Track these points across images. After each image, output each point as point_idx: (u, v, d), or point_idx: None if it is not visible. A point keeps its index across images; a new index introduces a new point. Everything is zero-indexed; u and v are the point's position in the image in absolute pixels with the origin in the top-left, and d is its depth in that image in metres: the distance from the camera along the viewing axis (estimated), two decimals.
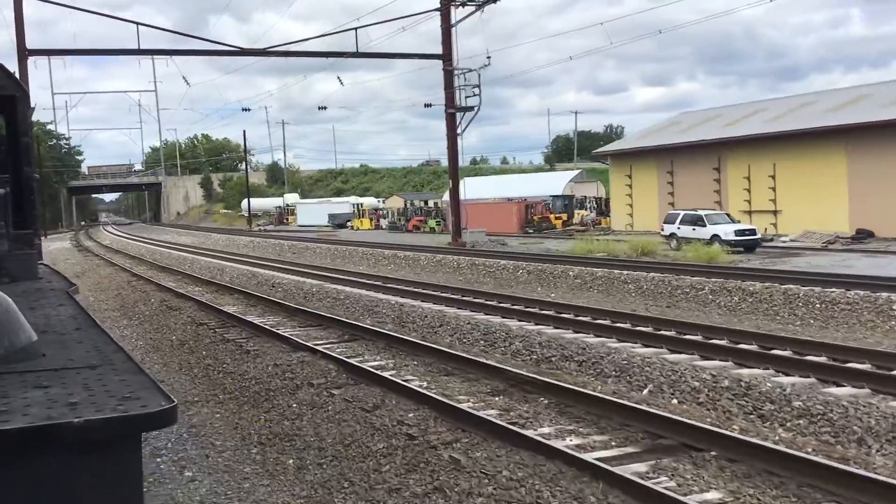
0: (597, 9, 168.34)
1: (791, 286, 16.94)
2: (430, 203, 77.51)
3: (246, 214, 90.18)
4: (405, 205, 77.24)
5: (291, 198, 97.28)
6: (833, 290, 16.30)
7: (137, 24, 34.23)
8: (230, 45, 36.92)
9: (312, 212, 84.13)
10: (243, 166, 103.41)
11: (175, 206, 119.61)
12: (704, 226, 34.05)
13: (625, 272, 21.07)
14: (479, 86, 39.55)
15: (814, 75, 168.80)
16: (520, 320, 15.20)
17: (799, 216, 37.34)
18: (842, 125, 35.63)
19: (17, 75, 11.74)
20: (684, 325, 13.68)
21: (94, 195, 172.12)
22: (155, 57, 44.49)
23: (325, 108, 54.35)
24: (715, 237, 33.06)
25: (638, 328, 13.78)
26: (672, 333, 13.06)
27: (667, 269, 21.96)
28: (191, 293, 21.56)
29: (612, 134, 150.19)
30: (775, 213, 39.00)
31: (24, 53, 33.37)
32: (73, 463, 2.31)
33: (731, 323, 14.56)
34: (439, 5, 39.46)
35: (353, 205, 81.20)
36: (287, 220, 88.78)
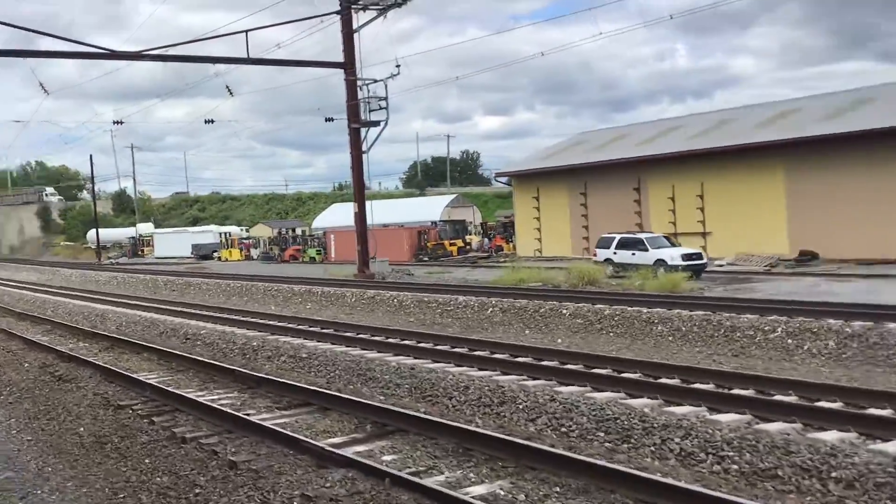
0: (441, 39, 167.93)
1: (831, 320, 13.85)
2: (298, 231, 72.52)
3: (93, 246, 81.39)
4: (277, 233, 71.65)
5: (145, 227, 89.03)
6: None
7: None
8: (98, 47, 30.88)
9: (171, 242, 76.74)
10: (84, 195, 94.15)
11: (8, 238, 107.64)
12: (646, 250, 31.12)
13: (635, 309, 17.29)
14: (386, 98, 35.39)
15: (643, 105, 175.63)
16: (585, 385, 10.99)
17: (731, 238, 35.12)
18: (780, 140, 33.71)
19: None
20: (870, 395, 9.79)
21: None
22: None
23: (211, 121, 47.83)
24: (660, 262, 30.20)
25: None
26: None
27: (654, 302, 18.38)
28: (79, 352, 16.05)
29: (469, 160, 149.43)
30: (704, 235, 36.70)
31: None
32: None
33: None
34: (339, 8, 35.07)
35: (219, 234, 74.62)
36: (142, 251, 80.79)
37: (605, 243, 33.16)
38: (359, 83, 35.20)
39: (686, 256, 30.48)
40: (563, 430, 8.82)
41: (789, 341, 13.69)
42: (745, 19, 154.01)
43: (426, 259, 49.84)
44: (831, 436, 7.68)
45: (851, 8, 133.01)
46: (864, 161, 31.00)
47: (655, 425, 8.18)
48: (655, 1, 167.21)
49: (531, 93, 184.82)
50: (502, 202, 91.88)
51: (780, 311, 15.52)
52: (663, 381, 10.82)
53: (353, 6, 35.04)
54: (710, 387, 10.35)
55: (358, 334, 17.25)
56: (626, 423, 8.43)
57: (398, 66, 34.99)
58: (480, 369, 12.33)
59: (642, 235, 32.33)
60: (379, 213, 67.25)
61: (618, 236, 32.92)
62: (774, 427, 8.10)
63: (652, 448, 7.84)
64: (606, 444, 8.20)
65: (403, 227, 54.73)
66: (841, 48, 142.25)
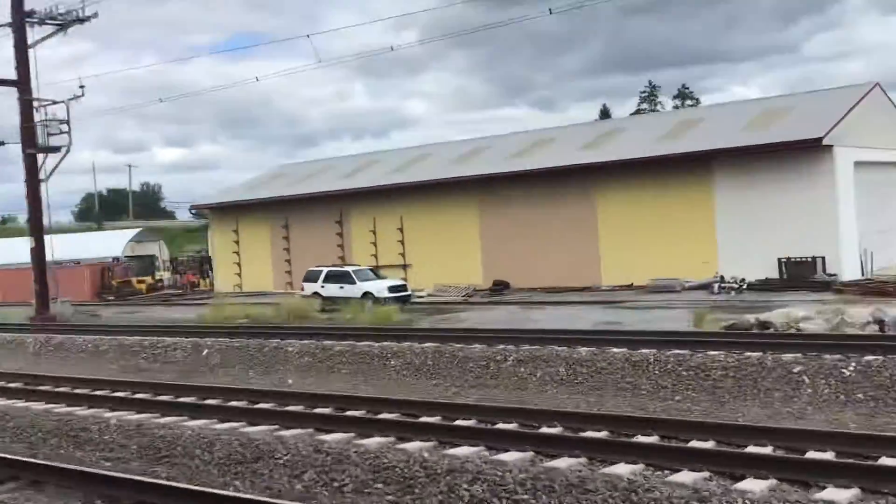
0: (114, 65, 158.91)
1: (556, 347, 14.64)
2: None
3: None
4: None
5: None
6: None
7: None
8: None
9: None
10: None
11: None
12: (354, 283, 31.16)
13: (365, 344, 16.87)
14: (68, 121, 32.07)
15: (326, 142, 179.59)
16: (349, 432, 10.28)
17: (430, 269, 36.30)
18: (473, 175, 35.50)
19: None
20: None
21: None
22: None
23: None
24: (368, 295, 30.34)
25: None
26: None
27: (380, 335, 18.22)
28: None
29: (150, 192, 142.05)
30: (405, 266, 37.56)
31: None
32: None
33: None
34: (11, 20, 31.29)
35: None
36: None
37: (312, 277, 32.67)
38: (35, 104, 31.57)
39: (393, 288, 30.93)
40: (336, 483, 8.08)
41: (522, 369, 14.04)
42: (417, 65, 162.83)
43: (112, 298, 45.99)
44: (623, 469, 7.73)
45: (509, 60, 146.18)
46: (545, 196, 33.59)
47: (439, 471, 7.74)
48: (330, 43, 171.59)
49: (214, 125, 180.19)
50: (191, 236, 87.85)
51: (504, 340, 15.93)
52: (425, 419, 10.46)
53: (27, 19, 31.46)
54: (473, 423, 10.17)
55: (57, 387, 15.04)
56: (406, 470, 7.89)
57: (82, 86, 31.95)
58: (222, 421, 11.15)
59: (349, 268, 32.30)
60: (54, 249, 60.98)
61: (325, 269, 32.59)
62: (564, 464, 8.02)
63: (440, 497, 7.37)
64: (388, 497, 7.60)
65: (83, 265, 50.03)
66: (501, 95, 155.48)
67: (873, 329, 16.96)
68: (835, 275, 27.01)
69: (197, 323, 27.46)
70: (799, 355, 12.22)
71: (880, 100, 32.28)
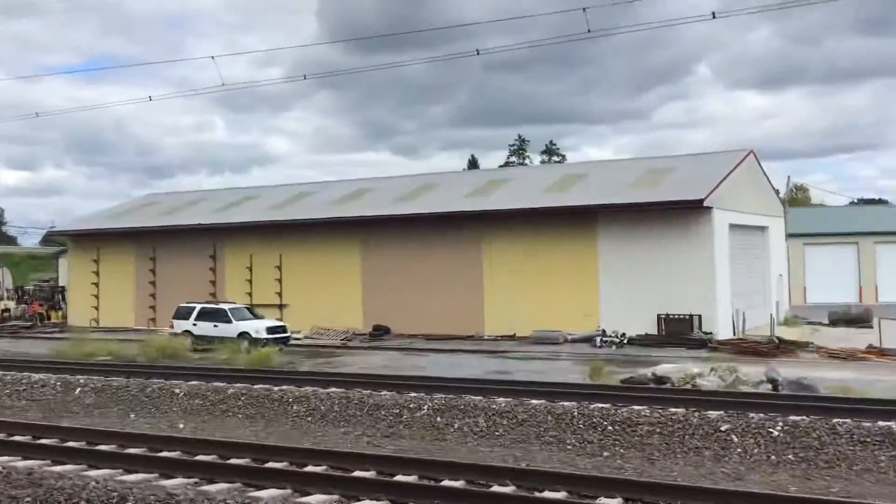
0: None
1: (473, 397, 14.17)
2: None
3: None
4: None
5: None
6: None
7: None
8: None
9: None
10: None
11: None
12: (230, 322, 29.66)
13: (263, 387, 15.82)
14: None
15: (181, 175, 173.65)
16: (285, 488, 9.32)
17: (308, 310, 35.16)
18: (357, 217, 34.80)
19: None
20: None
21: None
22: None
23: None
24: (244, 335, 28.97)
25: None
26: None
27: (270, 378, 17.24)
28: None
29: None
30: (281, 306, 36.22)
31: None
32: None
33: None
34: None
35: None
36: None
37: (184, 313, 30.87)
38: None
39: (271, 329, 29.63)
40: None
41: (438, 419, 13.46)
42: (281, 102, 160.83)
43: None
44: None
45: (373, 104, 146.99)
46: (431, 242, 33.29)
47: None
48: (195, 73, 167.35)
49: (61, 149, 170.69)
50: (37, 264, 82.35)
51: (414, 388, 15.34)
52: (357, 474, 9.64)
53: None
54: (414, 479, 9.44)
55: None
56: None
57: None
58: (127, 471, 9.92)
59: (225, 306, 30.73)
60: None
61: (198, 306, 30.89)
62: None
63: None
64: None
65: None
66: (365, 139, 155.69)
67: (767, 388, 17.43)
68: (710, 333, 27.90)
69: (57, 358, 25.39)
70: (722, 412, 12.23)
71: (752, 166, 34.07)
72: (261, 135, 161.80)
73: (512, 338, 31.00)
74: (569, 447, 11.98)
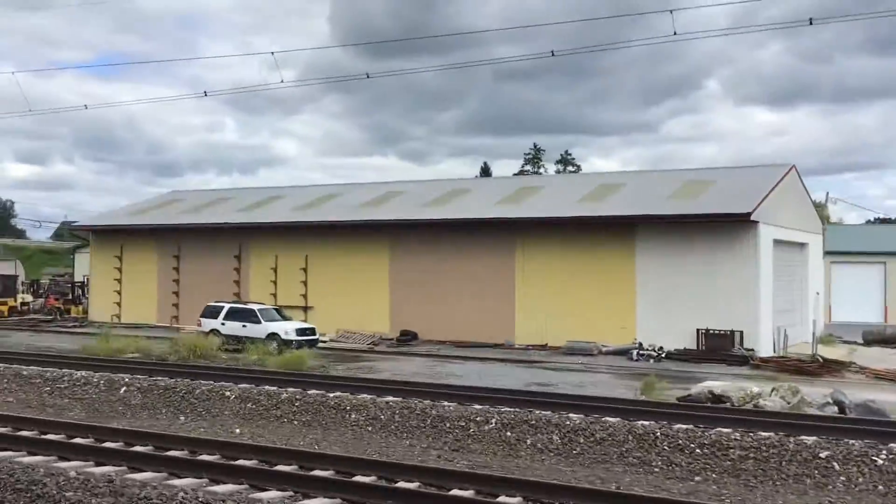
0: None
1: (544, 412, 13.56)
2: None
3: None
4: None
5: None
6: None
7: None
8: None
9: None
10: None
11: None
12: (259, 322, 29.11)
13: (319, 393, 15.22)
14: None
15: (190, 174, 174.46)
16: (335, 498, 8.73)
17: (333, 313, 34.56)
18: (386, 220, 34.24)
19: None
20: None
21: None
22: None
23: None
24: (273, 336, 28.43)
25: None
26: None
27: (325, 384, 16.66)
28: None
29: (2, 209, 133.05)
30: (306, 309, 35.64)
31: None
32: None
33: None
34: None
35: None
36: None
37: (212, 312, 30.31)
38: None
39: (301, 331, 29.09)
40: None
41: (508, 433, 12.85)
42: (291, 105, 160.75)
43: None
44: None
45: (382, 110, 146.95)
46: (462, 248, 32.65)
47: None
48: (207, 73, 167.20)
49: (71, 144, 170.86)
50: (50, 258, 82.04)
51: (475, 399, 14.73)
52: (456, 492, 9.05)
53: None
54: (518, 500, 8.85)
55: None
56: None
57: None
58: (213, 481, 9.30)
59: (254, 306, 30.18)
60: None
61: (227, 306, 30.36)
62: None
63: None
64: None
65: None
66: (372, 143, 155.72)
67: (833, 410, 16.81)
68: (752, 349, 27.26)
69: (87, 354, 24.88)
70: (816, 438, 11.62)
71: (794, 181, 33.45)
72: (270, 137, 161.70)
73: (543, 347, 30.39)
74: (656, 470, 11.37)
